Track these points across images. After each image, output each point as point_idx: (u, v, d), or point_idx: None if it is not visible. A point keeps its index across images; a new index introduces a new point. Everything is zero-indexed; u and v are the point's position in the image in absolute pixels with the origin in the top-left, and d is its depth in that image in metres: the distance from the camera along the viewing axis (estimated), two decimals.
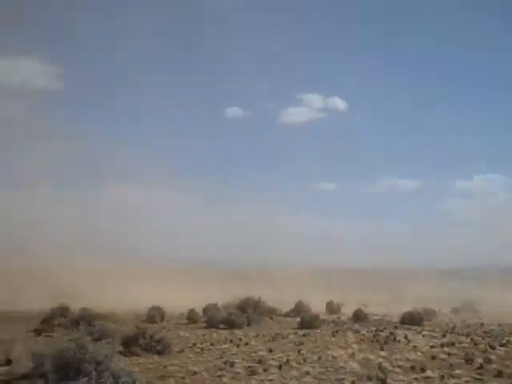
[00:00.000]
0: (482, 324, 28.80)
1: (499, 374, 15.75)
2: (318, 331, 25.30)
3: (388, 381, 14.93)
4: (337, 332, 24.15)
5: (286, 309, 37.49)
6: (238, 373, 16.22)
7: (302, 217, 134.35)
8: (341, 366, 16.84)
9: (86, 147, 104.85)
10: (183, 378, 15.64)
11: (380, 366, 16.56)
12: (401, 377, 15.63)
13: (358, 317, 31.37)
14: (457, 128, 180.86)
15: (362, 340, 21.58)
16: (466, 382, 15.18)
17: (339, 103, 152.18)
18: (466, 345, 19.80)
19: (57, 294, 34.80)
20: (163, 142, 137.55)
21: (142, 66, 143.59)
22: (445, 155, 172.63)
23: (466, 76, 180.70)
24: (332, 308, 42.73)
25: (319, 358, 18.21)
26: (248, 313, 30.00)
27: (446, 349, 19.23)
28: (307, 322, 27.54)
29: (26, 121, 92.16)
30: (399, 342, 20.79)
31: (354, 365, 17.03)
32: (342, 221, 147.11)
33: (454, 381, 15.19)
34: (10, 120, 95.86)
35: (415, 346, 19.80)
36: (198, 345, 21.53)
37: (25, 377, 14.20)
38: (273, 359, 18.07)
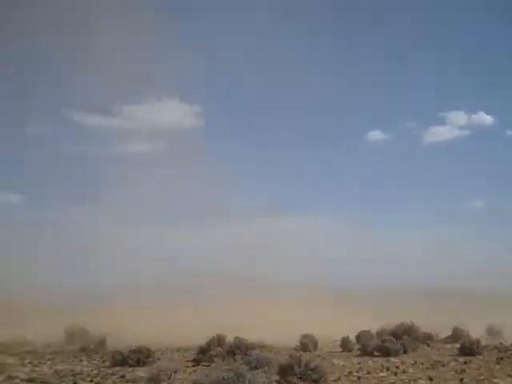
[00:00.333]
0: None
1: None
2: (481, 358, 23.86)
3: None
4: (501, 359, 22.62)
5: (441, 335, 35.87)
6: None
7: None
8: None
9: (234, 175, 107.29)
10: None
11: None
12: None
13: None
14: None
15: None
16: None
17: (485, 118, 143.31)
18: None
19: (213, 325, 35.87)
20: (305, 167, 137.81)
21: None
22: None
23: None
24: (493, 332, 40.07)
25: None
26: (403, 339, 28.96)
27: None
28: (467, 348, 26.07)
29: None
30: None
31: None
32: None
33: None
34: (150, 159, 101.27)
35: None
36: (354, 373, 21.11)
37: None
38: None
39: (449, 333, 35.84)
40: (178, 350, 30.71)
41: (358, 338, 32.55)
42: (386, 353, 26.79)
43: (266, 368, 17.83)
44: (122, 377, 21.34)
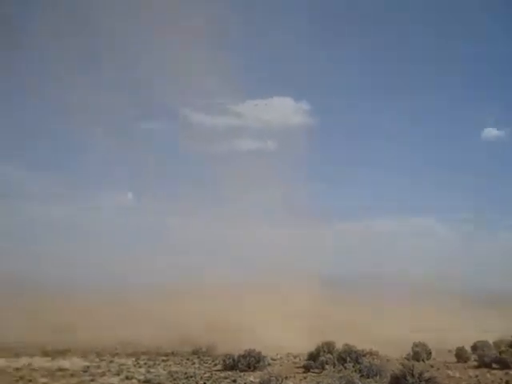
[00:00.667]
0: None
1: None
2: None
3: None
4: None
5: None
6: None
7: None
8: None
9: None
10: None
11: None
12: None
13: None
14: None
15: None
16: None
17: None
18: None
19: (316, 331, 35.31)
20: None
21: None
22: None
23: None
24: None
25: None
26: None
27: None
28: None
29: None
30: None
31: None
32: None
33: None
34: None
35: None
36: None
37: None
38: None
39: None
40: (287, 356, 30.68)
41: (473, 348, 31.04)
42: (505, 365, 25.36)
43: (378, 377, 17.48)
44: (234, 381, 21.70)
